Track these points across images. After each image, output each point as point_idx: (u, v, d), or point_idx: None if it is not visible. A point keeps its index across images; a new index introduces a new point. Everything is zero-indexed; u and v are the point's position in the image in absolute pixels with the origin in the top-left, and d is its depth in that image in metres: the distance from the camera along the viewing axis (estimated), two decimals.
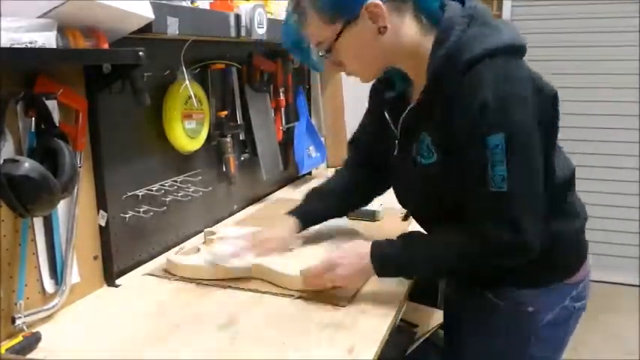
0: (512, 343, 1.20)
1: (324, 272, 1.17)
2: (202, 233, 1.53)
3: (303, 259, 1.26)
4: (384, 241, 1.17)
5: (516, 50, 1.03)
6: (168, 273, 1.34)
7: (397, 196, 1.27)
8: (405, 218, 1.54)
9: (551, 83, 1.08)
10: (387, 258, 1.15)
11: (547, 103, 1.05)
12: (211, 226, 1.70)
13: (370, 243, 1.16)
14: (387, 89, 1.21)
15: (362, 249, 1.16)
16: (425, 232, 1.23)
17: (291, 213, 1.39)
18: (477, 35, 1.01)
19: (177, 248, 1.51)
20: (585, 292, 1.23)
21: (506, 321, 1.18)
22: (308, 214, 1.39)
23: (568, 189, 1.18)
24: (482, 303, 1.18)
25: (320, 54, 1.11)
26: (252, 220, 1.77)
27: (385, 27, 1.03)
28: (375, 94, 1.29)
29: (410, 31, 1.06)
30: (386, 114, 1.20)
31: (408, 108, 1.11)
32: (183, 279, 1.30)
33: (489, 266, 1.11)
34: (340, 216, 1.47)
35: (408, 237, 1.19)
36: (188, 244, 1.54)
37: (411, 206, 1.29)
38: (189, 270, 1.31)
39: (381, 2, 1.01)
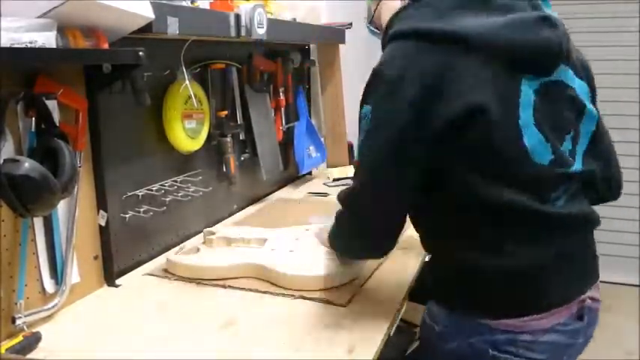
0: (421, 356, 1.19)
1: None
2: (202, 233, 1.53)
3: (303, 259, 1.27)
4: None
5: (426, 35, 0.95)
6: (168, 273, 1.34)
7: None
8: None
9: (475, 95, 0.92)
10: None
11: (456, 112, 0.92)
12: (211, 226, 1.70)
13: None
14: None
15: None
16: None
17: None
18: (408, 15, 1.02)
19: (177, 248, 1.51)
20: (519, 350, 1.01)
21: (424, 335, 1.14)
22: None
23: (497, 223, 0.99)
24: (428, 308, 1.13)
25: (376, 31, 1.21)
26: (253, 219, 1.77)
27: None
28: None
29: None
30: None
31: None
32: (183, 279, 1.30)
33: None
34: None
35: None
36: (188, 244, 1.54)
37: None
38: (188, 270, 1.31)
39: None
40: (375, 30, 1.21)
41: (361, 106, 1.01)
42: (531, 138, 0.96)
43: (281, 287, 1.24)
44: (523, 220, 0.99)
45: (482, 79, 0.93)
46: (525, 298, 1.01)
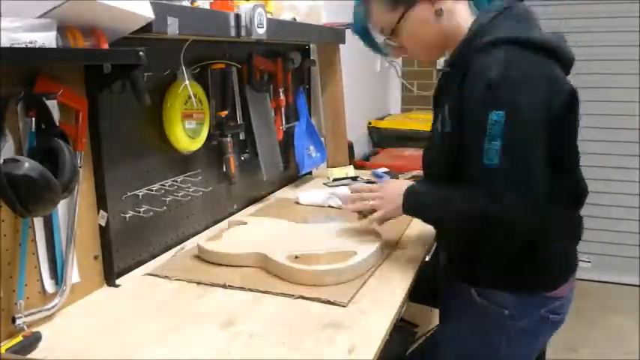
0: (484, 341, 1.24)
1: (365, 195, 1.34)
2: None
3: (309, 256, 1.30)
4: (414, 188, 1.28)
5: (539, 48, 1.07)
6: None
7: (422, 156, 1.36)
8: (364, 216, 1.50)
9: (569, 83, 1.13)
10: (414, 194, 1.26)
11: (562, 102, 1.09)
12: (212, 226, 1.70)
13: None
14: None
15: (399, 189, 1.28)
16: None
17: None
18: (504, 25, 1.09)
19: (177, 248, 1.52)
20: (564, 309, 1.24)
21: (484, 319, 1.22)
22: None
23: (573, 207, 1.22)
24: (466, 298, 1.23)
25: (384, 39, 1.22)
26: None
27: (441, 9, 1.14)
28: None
29: (463, 14, 1.16)
30: None
31: (437, 80, 1.23)
32: (183, 279, 1.31)
33: (477, 235, 1.16)
34: None
35: (437, 184, 1.25)
36: (188, 244, 1.55)
37: (427, 168, 1.34)
38: (217, 256, 1.38)
39: None
40: (389, 41, 1.22)
41: (484, 113, 1.03)
42: None
43: (282, 285, 1.24)
44: (582, 198, 1.25)
45: (564, 77, 1.13)
46: (571, 268, 1.24)
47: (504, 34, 1.07)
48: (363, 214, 1.39)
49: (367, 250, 1.33)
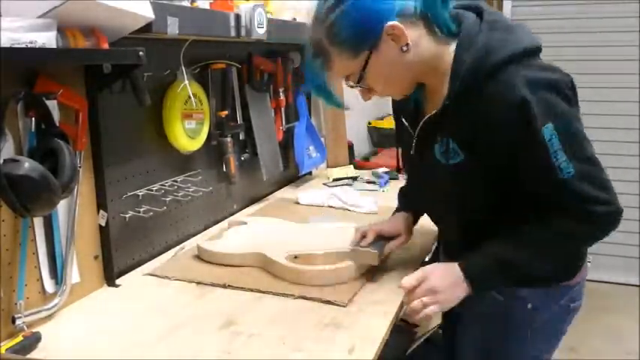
0: (509, 337, 1.23)
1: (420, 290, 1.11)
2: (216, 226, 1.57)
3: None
4: (474, 256, 1.13)
5: (535, 51, 1.08)
6: (199, 258, 1.39)
7: (421, 196, 1.31)
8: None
9: (564, 70, 1.10)
10: (476, 267, 1.11)
11: (575, 93, 1.10)
12: (211, 226, 1.70)
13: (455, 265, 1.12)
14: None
15: (449, 269, 1.12)
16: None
17: (400, 210, 1.44)
18: (501, 40, 1.05)
19: (177, 248, 1.52)
20: (581, 294, 1.25)
21: (506, 315, 1.21)
22: (408, 204, 1.43)
23: None
24: (483, 296, 1.18)
25: (350, 85, 1.14)
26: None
27: (407, 44, 1.06)
28: (393, 101, 1.32)
29: (429, 44, 1.08)
30: (403, 119, 1.24)
31: (427, 116, 1.13)
32: (183, 279, 1.31)
33: (592, 244, 1.16)
34: None
35: (494, 246, 1.13)
36: (188, 244, 1.55)
37: (438, 206, 1.27)
38: (217, 256, 1.37)
39: (397, 22, 1.04)
40: (361, 86, 1.14)
41: (537, 133, 1.02)
42: None
43: (282, 285, 1.24)
44: None
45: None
46: (585, 254, 1.25)
47: (509, 50, 1.03)
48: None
49: (366, 250, 1.32)
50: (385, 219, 1.42)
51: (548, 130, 1.01)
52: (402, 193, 1.49)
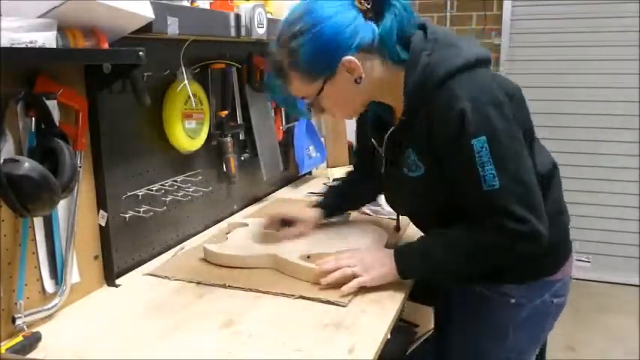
0: (492, 331, 1.27)
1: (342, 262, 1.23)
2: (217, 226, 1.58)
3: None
4: (407, 244, 1.25)
5: (480, 62, 1.12)
6: (207, 261, 1.39)
7: (388, 203, 1.40)
8: (397, 229, 1.57)
9: (514, 82, 1.18)
10: (406, 251, 1.22)
11: (519, 105, 1.15)
12: (211, 226, 1.70)
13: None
14: (367, 115, 1.31)
15: (383, 250, 1.27)
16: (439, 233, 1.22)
17: (316, 205, 1.55)
18: (443, 56, 1.11)
19: (177, 248, 1.52)
20: (565, 290, 1.28)
21: (491, 310, 1.25)
22: (328, 206, 1.55)
23: (549, 185, 1.22)
24: (469, 292, 1.26)
25: (305, 104, 1.24)
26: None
27: (360, 77, 1.13)
28: (358, 119, 1.41)
29: (380, 72, 1.16)
30: (371, 138, 1.32)
31: (389, 131, 1.22)
32: (183, 279, 1.31)
33: (507, 259, 1.15)
34: (354, 209, 1.66)
35: (426, 239, 1.24)
36: (188, 244, 1.55)
37: (402, 211, 1.42)
38: (226, 258, 1.37)
39: (353, 57, 1.11)
40: (315, 106, 1.23)
41: (467, 143, 1.06)
42: None
43: (284, 284, 1.24)
44: (559, 179, 1.25)
45: (506, 79, 1.19)
46: (569, 248, 1.28)
47: (450, 65, 1.09)
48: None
49: (376, 248, 1.35)
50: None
51: (480, 141, 1.05)
52: (334, 192, 1.60)
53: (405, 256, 1.21)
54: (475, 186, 1.07)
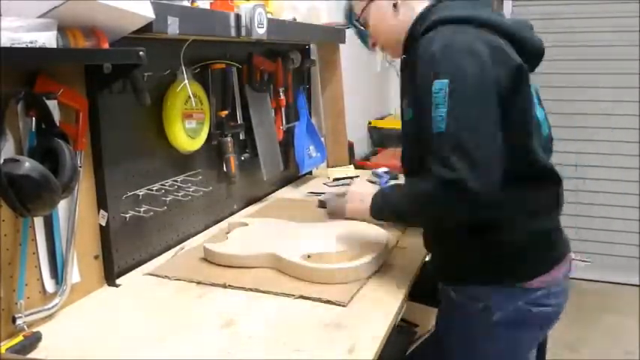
0: (463, 337, 1.25)
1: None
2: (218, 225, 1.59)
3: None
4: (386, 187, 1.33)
5: (471, 21, 1.13)
6: (206, 260, 1.40)
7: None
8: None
9: (518, 58, 1.13)
10: (380, 195, 1.27)
11: (508, 73, 1.09)
12: (211, 226, 1.70)
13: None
14: None
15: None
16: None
17: None
18: (439, 8, 1.17)
19: (177, 248, 1.52)
20: (551, 300, 1.19)
21: (462, 316, 1.23)
22: None
23: (537, 189, 1.17)
24: (446, 298, 1.27)
25: (358, 25, 1.30)
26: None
27: (397, 3, 1.22)
28: None
29: (421, 8, 1.20)
30: None
31: (400, 77, 1.28)
32: (183, 279, 1.31)
33: (441, 211, 1.10)
34: None
35: (397, 186, 1.30)
36: (188, 244, 1.55)
37: (403, 166, 1.35)
38: (226, 258, 1.37)
39: None
40: (361, 27, 1.30)
41: (430, 84, 1.06)
42: (539, 113, 1.22)
43: (286, 283, 1.24)
44: (550, 182, 1.20)
45: (512, 53, 1.13)
46: (548, 260, 1.19)
47: (436, 16, 1.13)
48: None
49: (377, 248, 1.35)
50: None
51: (441, 83, 1.05)
52: None
53: (376, 198, 1.26)
54: (427, 128, 1.06)
